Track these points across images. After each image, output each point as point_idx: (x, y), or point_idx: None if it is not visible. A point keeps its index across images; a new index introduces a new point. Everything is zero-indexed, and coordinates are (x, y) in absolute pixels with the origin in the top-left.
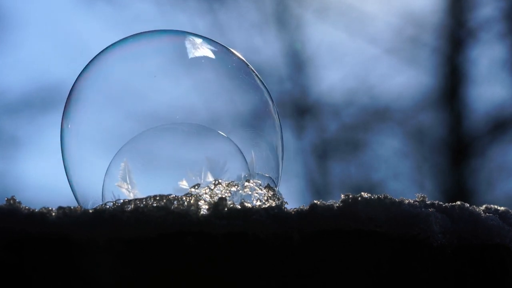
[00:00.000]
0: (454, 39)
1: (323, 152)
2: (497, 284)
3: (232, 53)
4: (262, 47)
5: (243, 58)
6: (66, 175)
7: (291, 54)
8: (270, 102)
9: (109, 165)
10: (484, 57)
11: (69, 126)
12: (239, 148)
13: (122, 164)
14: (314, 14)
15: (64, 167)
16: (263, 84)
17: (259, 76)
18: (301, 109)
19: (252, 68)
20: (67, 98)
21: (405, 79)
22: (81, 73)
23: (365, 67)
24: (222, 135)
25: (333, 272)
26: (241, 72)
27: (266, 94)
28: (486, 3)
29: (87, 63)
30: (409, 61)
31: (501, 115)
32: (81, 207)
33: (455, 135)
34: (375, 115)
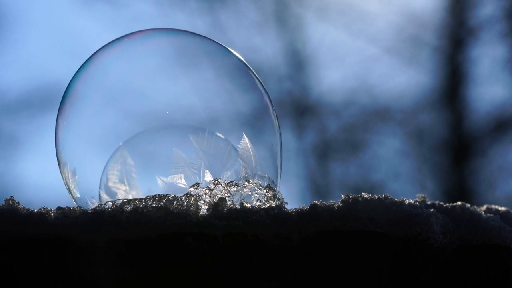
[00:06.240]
0: (455, 38)
1: (324, 152)
2: (498, 285)
3: (232, 53)
4: (262, 47)
5: (242, 59)
6: (61, 174)
7: (291, 53)
8: (269, 104)
9: (105, 165)
10: (485, 56)
11: (64, 125)
12: (235, 149)
13: (119, 164)
14: (314, 13)
15: (59, 165)
16: (262, 85)
17: (258, 77)
18: (301, 108)
19: (251, 69)
20: (63, 97)
21: (406, 79)
22: (78, 71)
23: (365, 67)
24: (220, 136)
25: (333, 273)
26: (240, 73)
27: (265, 96)
28: (487, 2)
29: (84, 61)
30: (409, 61)
31: (502, 115)
32: (80, 207)
33: (456, 135)
34: (376, 115)
